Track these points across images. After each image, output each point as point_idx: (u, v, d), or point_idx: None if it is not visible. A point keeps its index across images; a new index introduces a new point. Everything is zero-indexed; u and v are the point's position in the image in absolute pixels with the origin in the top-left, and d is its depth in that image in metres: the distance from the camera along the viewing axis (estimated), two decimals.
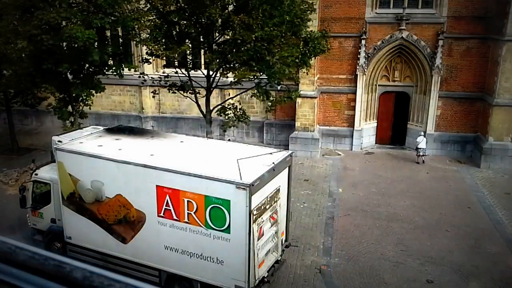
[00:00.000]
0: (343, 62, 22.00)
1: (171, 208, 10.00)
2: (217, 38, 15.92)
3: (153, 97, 19.91)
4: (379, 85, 22.59)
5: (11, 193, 17.71)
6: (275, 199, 10.64)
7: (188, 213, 9.82)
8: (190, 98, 16.86)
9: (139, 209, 10.48)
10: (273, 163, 10.34)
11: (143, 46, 17.01)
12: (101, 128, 13.35)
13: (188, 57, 17.00)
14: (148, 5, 15.52)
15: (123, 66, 15.14)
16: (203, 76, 16.60)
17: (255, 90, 16.14)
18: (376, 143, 23.23)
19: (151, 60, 16.98)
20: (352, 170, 20.15)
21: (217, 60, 15.28)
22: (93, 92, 14.86)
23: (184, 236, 9.98)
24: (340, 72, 22.18)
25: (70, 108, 15.09)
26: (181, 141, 12.19)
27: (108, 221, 10.99)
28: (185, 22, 15.56)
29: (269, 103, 17.34)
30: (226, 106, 16.95)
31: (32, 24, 12.67)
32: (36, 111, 24.16)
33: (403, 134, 22.99)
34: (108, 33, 17.60)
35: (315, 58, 17.56)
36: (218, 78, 16.32)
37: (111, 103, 25.52)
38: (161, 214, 10.20)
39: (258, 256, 9.84)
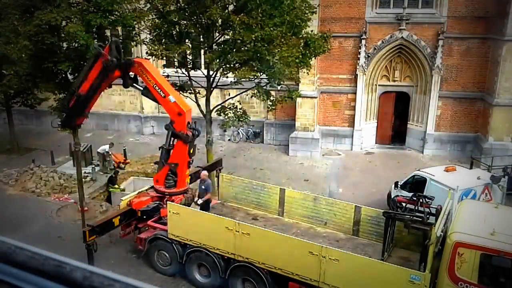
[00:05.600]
0: (343, 62, 22.00)
1: None
2: (217, 38, 15.91)
3: None
4: (379, 85, 22.59)
5: (11, 193, 17.71)
6: None
7: None
8: (190, 98, 16.85)
9: None
10: None
11: (142, 45, 17.01)
12: None
13: (188, 57, 16.99)
14: (148, 5, 15.52)
15: None
16: (203, 76, 16.60)
17: (255, 90, 16.13)
18: (376, 143, 23.23)
19: (151, 60, 16.96)
20: (352, 170, 20.14)
21: (217, 60, 15.27)
22: None
23: None
24: (340, 72, 22.18)
25: None
26: None
27: None
28: (185, 22, 15.55)
29: (269, 103, 17.34)
30: (226, 106, 16.94)
31: (32, 24, 12.67)
32: (36, 111, 24.15)
33: (403, 134, 23.00)
34: (108, 33, 17.56)
35: (315, 58, 17.56)
36: (218, 78, 16.32)
37: (111, 103, 25.51)
38: None
39: None
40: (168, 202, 11.99)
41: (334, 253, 9.57)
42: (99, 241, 14.02)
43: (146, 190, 13.57)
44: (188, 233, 11.59)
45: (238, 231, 10.63)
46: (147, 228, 12.84)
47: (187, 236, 11.61)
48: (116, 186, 17.93)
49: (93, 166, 19.05)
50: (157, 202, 12.94)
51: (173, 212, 11.63)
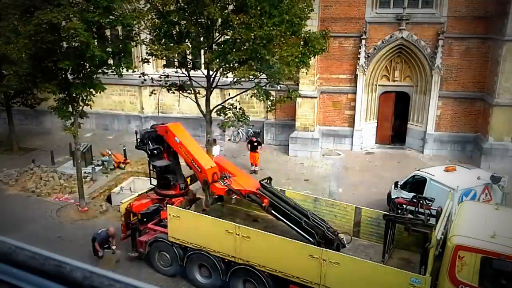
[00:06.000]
0: (343, 62, 21.99)
1: None
2: (217, 38, 15.92)
3: (150, 95, 19.95)
4: (379, 85, 22.59)
5: (11, 193, 17.72)
6: None
7: None
8: (190, 98, 16.87)
9: None
10: None
11: (142, 45, 17.01)
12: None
13: (188, 57, 16.99)
14: (148, 5, 15.52)
15: (123, 65, 15.14)
16: (203, 76, 16.60)
17: (255, 90, 16.13)
18: (376, 143, 23.22)
19: (151, 60, 16.98)
20: (352, 170, 20.14)
21: (217, 60, 15.28)
22: (93, 92, 14.85)
23: None
24: (340, 72, 22.18)
25: (70, 108, 15.12)
26: None
27: None
28: (185, 22, 15.55)
29: (269, 103, 17.34)
30: (226, 106, 16.94)
31: (32, 23, 12.67)
32: (36, 111, 24.16)
33: (403, 134, 23.00)
34: (108, 33, 17.60)
35: (314, 57, 17.56)
36: (218, 78, 16.32)
37: (111, 103, 25.52)
38: None
39: None
40: (168, 205, 11.97)
41: (334, 256, 9.57)
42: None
43: (146, 192, 13.55)
44: (189, 236, 11.56)
45: (238, 234, 10.61)
46: (147, 230, 12.81)
47: (187, 239, 11.57)
48: None
49: (93, 166, 19.07)
50: (157, 204, 12.90)
51: (173, 215, 11.58)
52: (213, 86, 16.54)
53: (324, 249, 9.76)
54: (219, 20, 14.96)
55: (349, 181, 18.80)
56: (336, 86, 22.41)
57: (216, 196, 12.30)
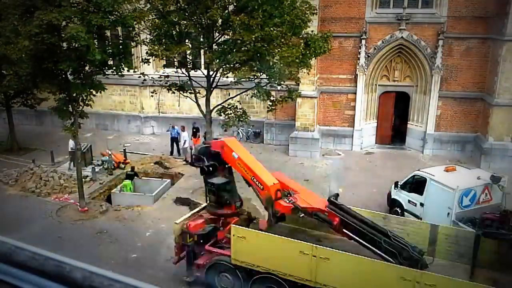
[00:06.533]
0: (343, 62, 21.99)
1: None
2: (217, 38, 15.92)
3: (152, 96, 19.93)
4: (379, 85, 22.59)
5: (11, 193, 17.71)
6: None
7: None
8: (190, 98, 16.88)
9: None
10: None
11: (142, 46, 17.02)
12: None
13: (188, 57, 17.00)
14: (148, 5, 15.53)
15: (123, 65, 15.15)
16: (203, 76, 16.61)
17: (255, 90, 16.13)
18: (376, 143, 23.23)
19: (151, 60, 16.98)
20: (352, 170, 20.13)
21: (217, 60, 15.28)
22: (93, 92, 14.86)
23: None
24: (340, 72, 22.18)
25: (70, 108, 15.13)
26: None
27: None
28: (185, 22, 15.56)
29: (269, 103, 17.34)
30: (226, 106, 16.95)
31: (33, 24, 12.67)
32: (36, 111, 24.17)
33: (403, 134, 23.01)
34: (108, 33, 17.60)
35: (315, 58, 17.57)
36: (218, 78, 16.32)
37: (111, 103, 25.53)
38: None
39: None
40: (232, 225, 10.99)
41: (430, 277, 8.72)
42: (97, 241, 14.03)
43: (199, 211, 12.58)
44: (255, 259, 10.62)
45: (315, 256, 9.79)
46: (202, 253, 11.72)
47: (253, 261, 10.65)
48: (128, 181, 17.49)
49: (93, 166, 19.06)
50: (213, 224, 11.99)
51: (238, 236, 10.64)
52: (213, 86, 16.54)
53: (423, 271, 8.89)
54: (220, 20, 14.96)
55: (349, 181, 18.78)
56: (336, 86, 22.41)
57: (279, 215, 11.00)
